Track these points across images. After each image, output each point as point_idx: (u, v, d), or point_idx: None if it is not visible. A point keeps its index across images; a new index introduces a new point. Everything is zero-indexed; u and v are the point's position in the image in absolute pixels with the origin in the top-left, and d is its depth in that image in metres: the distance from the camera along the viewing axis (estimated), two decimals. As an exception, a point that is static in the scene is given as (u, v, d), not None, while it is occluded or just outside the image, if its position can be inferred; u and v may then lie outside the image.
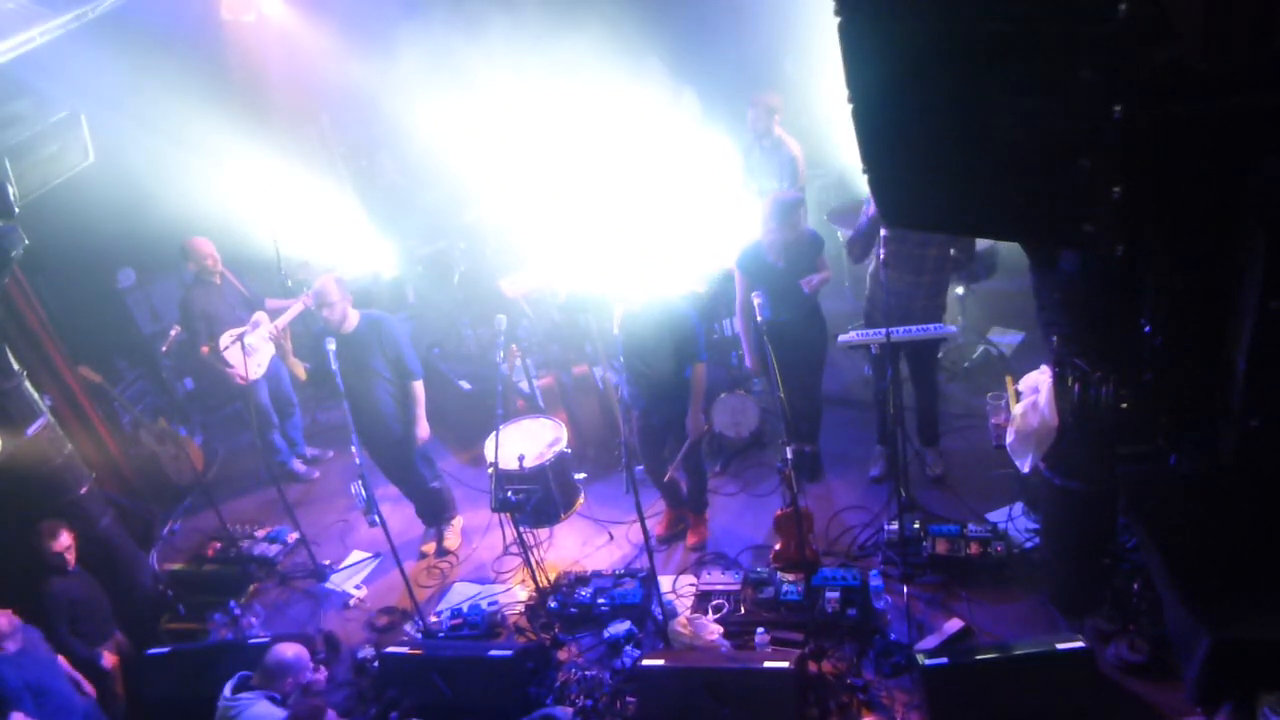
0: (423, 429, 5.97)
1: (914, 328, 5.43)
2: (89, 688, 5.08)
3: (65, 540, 5.24)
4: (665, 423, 5.67)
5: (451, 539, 6.44)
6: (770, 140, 6.95)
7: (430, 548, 6.44)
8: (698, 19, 8.18)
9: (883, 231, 4.96)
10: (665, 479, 5.92)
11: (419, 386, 5.92)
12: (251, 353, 6.73)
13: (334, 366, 5.35)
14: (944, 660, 4.38)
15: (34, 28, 5.29)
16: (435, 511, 6.42)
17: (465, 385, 7.53)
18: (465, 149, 8.14)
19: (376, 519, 5.31)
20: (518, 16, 8.46)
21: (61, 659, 5.01)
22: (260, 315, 6.93)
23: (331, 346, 5.39)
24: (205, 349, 6.71)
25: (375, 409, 5.84)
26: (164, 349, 6.44)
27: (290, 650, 4.40)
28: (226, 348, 6.57)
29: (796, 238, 5.53)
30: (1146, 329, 3.09)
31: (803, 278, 5.59)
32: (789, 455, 4.84)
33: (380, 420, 5.89)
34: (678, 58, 8.31)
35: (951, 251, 5.51)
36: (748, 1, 8.29)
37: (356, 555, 6.59)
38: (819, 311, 5.83)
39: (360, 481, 5.26)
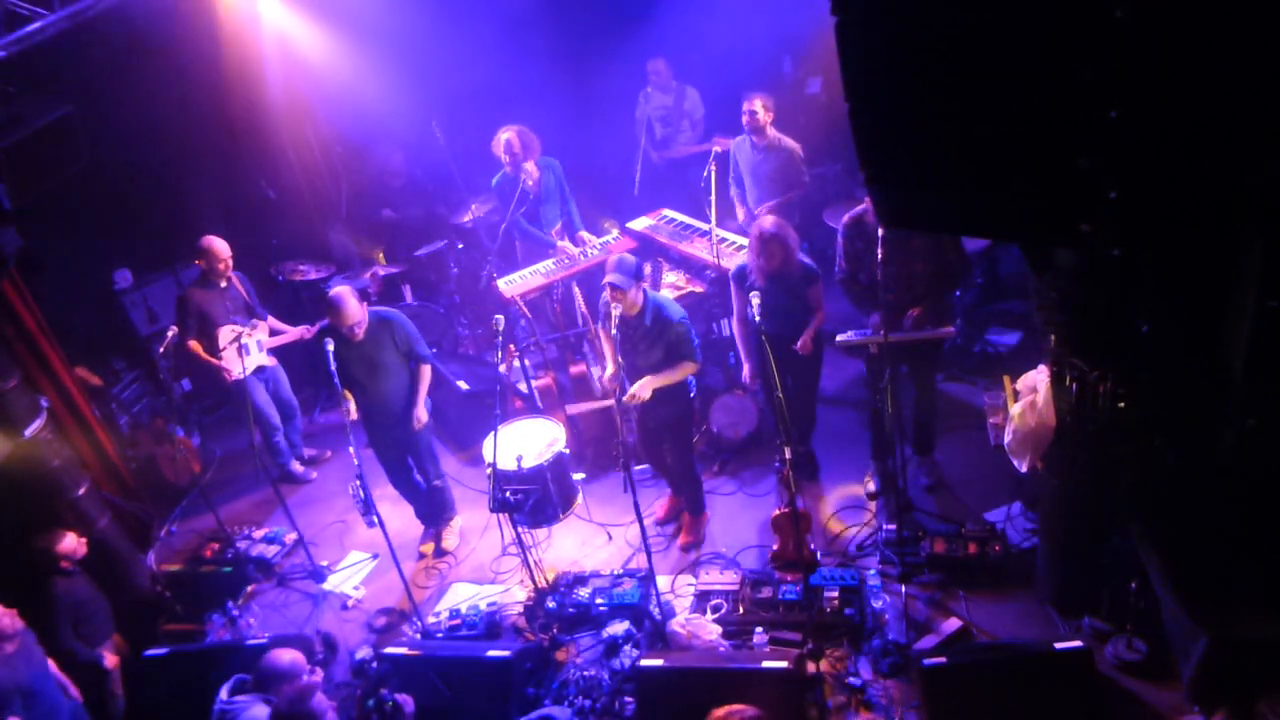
0: (421, 412, 5.99)
1: (911, 330, 5.42)
2: (75, 691, 5.06)
3: (71, 543, 5.24)
4: (661, 424, 5.68)
5: (450, 539, 6.44)
6: (764, 139, 6.94)
7: (429, 548, 6.45)
8: (700, 19, 8.17)
9: (880, 231, 4.95)
10: (669, 466, 6.00)
11: (427, 369, 6.02)
12: (245, 354, 6.73)
13: (332, 368, 5.36)
14: (942, 660, 4.39)
15: (31, 26, 5.30)
16: (434, 511, 6.43)
17: (463, 385, 7.52)
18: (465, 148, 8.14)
19: (375, 520, 5.32)
20: (520, 17, 8.47)
21: (51, 662, 5.01)
22: (260, 325, 6.90)
23: (330, 348, 5.39)
24: (193, 343, 6.63)
25: (384, 402, 5.90)
26: (161, 350, 6.40)
27: (286, 656, 4.39)
28: (223, 347, 6.56)
29: (782, 268, 5.51)
30: (1144, 329, 3.10)
31: (790, 307, 5.61)
32: (787, 455, 4.84)
33: (390, 413, 5.95)
34: (680, 58, 8.31)
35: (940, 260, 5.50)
36: (749, 2, 8.30)
37: (355, 556, 6.58)
38: None
39: (359, 482, 5.27)
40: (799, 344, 5.61)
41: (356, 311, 5.60)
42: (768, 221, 5.54)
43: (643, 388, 5.34)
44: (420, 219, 8.71)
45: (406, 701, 4.35)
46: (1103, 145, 2.10)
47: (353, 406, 5.76)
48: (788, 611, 5.18)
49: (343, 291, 5.66)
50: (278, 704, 4.09)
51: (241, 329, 6.64)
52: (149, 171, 7.67)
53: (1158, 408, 3.46)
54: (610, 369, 5.56)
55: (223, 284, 6.73)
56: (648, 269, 6.12)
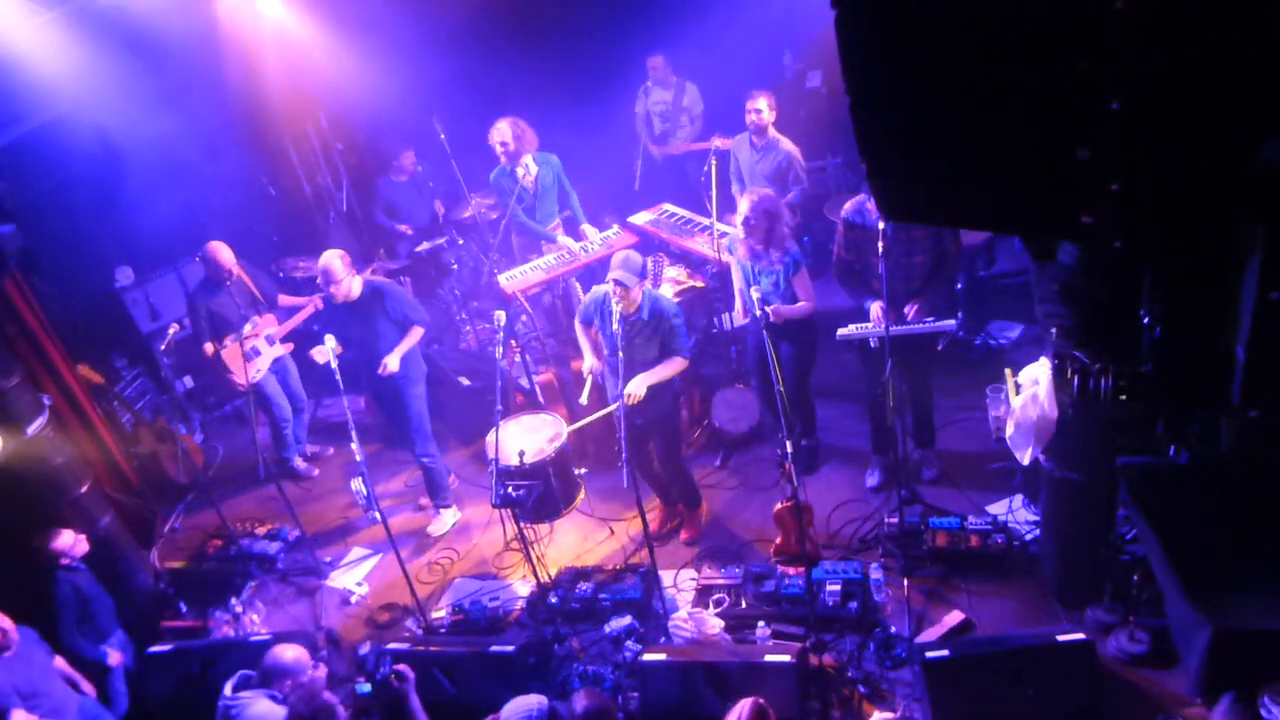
0: (393, 361, 5.99)
1: (912, 323, 5.41)
2: (87, 687, 5.09)
3: (67, 540, 5.24)
4: (649, 422, 5.64)
5: (437, 526, 6.54)
6: (764, 139, 6.92)
7: (427, 502, 6.68)
8: (700, 14, 8.16)
9: (882, 225, 4.94)
10: (655, 474, 5.96)
11: (417, 330, 6.14)
12: (255, 356, 6.75)
13: (333, 365, 5.40)
14: (945, 653, 4.39)
15: (28, 23, 5.30)
16: (430, 489, 6.54)
17: (465, 381, 7.52)
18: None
19: (377, 515, 5.32)
20: (522, 11, 8.47)
21: (59, 659, 5.01)
22: (265, 318, 6.91)
23: (330, 345, 5.42)
24: (210, 348, 6.68)
25: (377, 366, 6.04)
26: (162, 347, 6.41)
27: (289, 652, 4.40)
28: (225, 348, 6.59)
29: (763, 248, 5.50)
30: (1145, 320, 3.09)
31: (769, 290, 5.59)
32: (789, 449, 4.84)
33: (383, 377, 6.05)
34: (680, 53, 8.30)
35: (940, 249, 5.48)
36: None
37: (357, 552, 6.59)
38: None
39: (361, 478, 5.28)
40: (770, 309, 5.50)
41: (341, 269, 5.79)
42: (756, 194, 5.53)
43: (637, 386, 5.30)
44: (425, 217, 8.71)
45: (407, 670, 4.38)
46: (1104, 136, 2.09)
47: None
48: (790, 605, 5.19)
49: (328, 256, 5.83)
50: (294, 704, 4.09)
51: (248, 332, 6.68)
52: (149, 168, 7.67)
53: (1160, 399, 3.46)
54: (589, 360, 5.67)
55: (228, 283, 6.74)
56: (649, 264, 6.12)
